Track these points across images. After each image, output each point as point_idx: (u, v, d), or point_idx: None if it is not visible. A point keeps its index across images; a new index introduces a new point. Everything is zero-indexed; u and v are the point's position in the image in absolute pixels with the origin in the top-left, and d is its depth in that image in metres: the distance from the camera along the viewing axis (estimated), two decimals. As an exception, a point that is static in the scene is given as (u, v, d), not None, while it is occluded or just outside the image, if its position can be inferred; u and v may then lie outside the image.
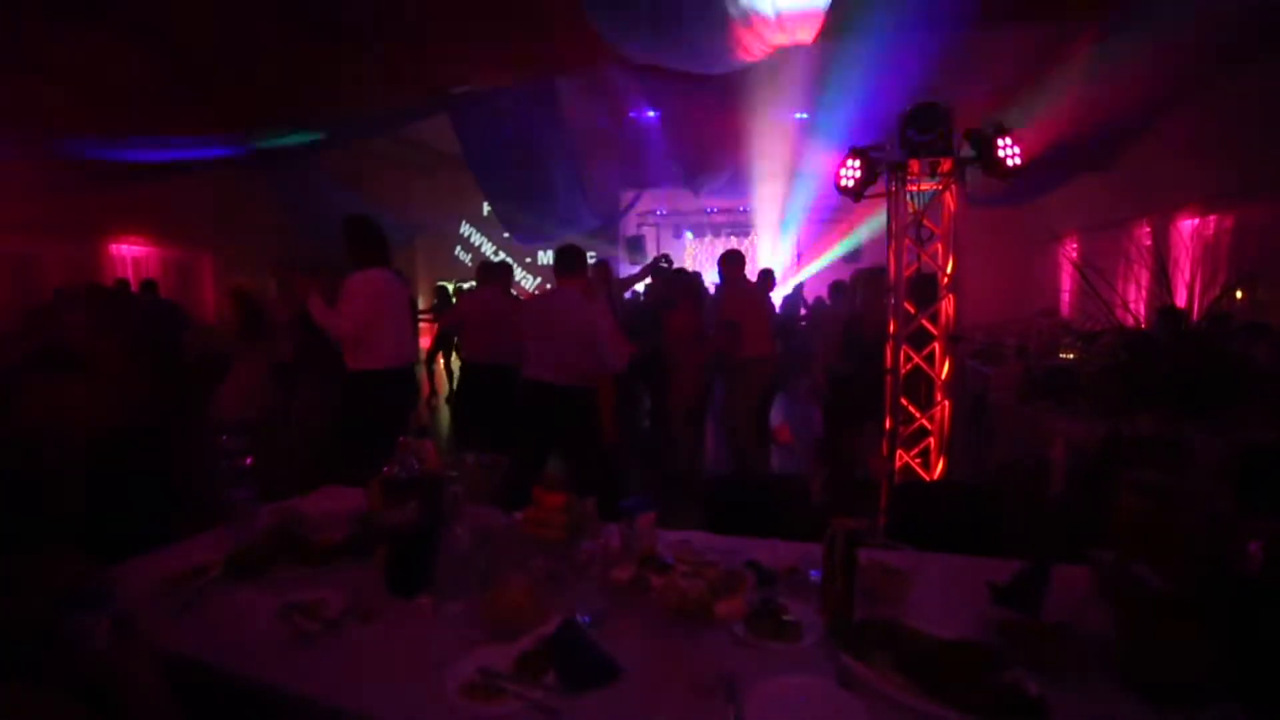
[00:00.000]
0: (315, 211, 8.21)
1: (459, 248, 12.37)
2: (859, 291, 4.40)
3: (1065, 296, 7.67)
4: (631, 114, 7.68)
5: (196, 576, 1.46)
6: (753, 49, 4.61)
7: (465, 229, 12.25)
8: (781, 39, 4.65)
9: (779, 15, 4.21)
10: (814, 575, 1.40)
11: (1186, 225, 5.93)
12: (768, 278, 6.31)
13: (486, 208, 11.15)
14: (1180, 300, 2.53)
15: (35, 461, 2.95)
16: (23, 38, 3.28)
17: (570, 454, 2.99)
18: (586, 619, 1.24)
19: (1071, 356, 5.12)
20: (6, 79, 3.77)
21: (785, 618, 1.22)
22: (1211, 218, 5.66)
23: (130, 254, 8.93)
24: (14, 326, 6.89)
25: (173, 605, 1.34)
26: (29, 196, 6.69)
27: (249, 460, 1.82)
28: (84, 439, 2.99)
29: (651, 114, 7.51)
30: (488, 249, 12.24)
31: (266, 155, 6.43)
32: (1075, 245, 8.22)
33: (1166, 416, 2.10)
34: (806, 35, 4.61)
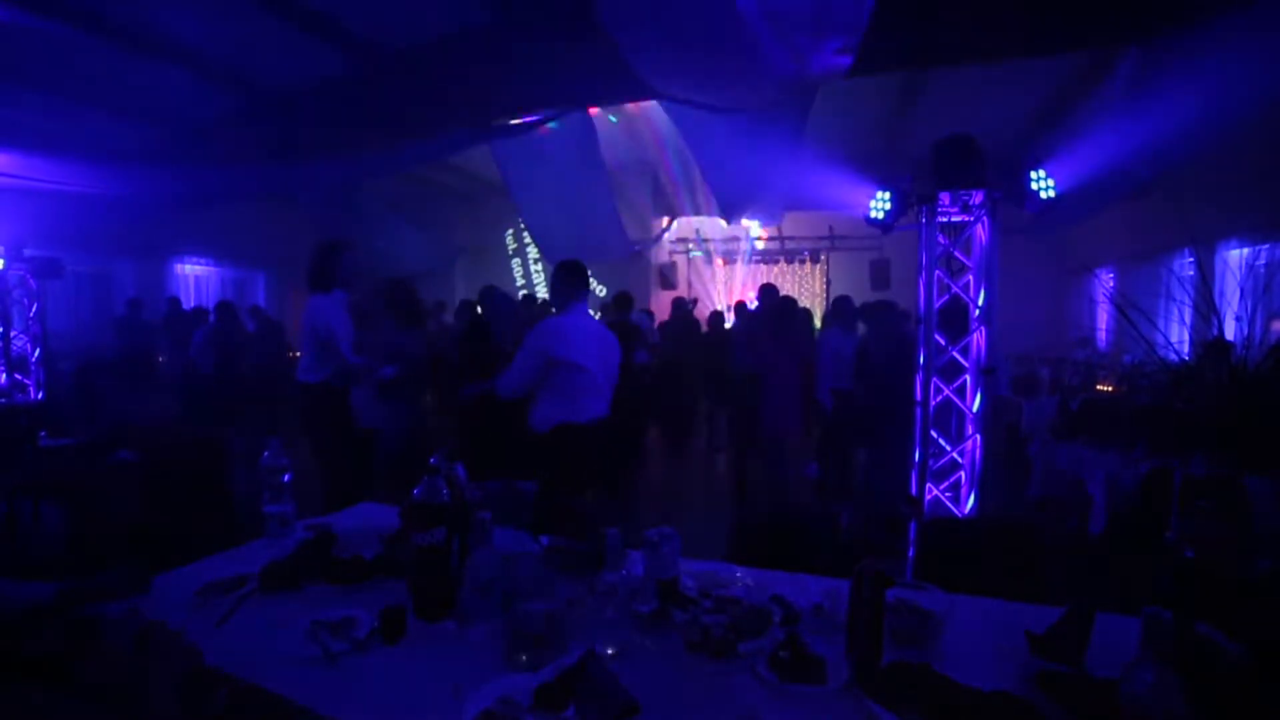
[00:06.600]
0: (361, 232, 8.60)
1: (517, 264, 12.57)
2: (867, 323, 4.82)
3: (1102, 333, 7.42)
4: (664, 144, 7.85)
5: (232, 588, 1.50)
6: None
7: (531, 248, 12.33)
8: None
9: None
10: (841, 614, 1.37)
11: (1234, 255, 5.70)
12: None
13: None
14: (1230, 334, 2.41)
15: (106, 461, 3.10)
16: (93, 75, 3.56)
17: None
18: (607, 651, 1.23)
19: (1110, 389, 4.94)
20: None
21: (810, 659, 1.19)
22: (1263, 247, 5.43)
23: (193, 272, 9.78)
24: (99, 337, 7.29)
25: (209, 616, 1.39)
26: (107, 219, 7.17)
27: (287, 476, 1.88)
28: (152, 444, 3.13)
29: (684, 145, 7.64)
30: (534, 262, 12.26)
31: (313, 180, 6.74)
32: (1112, 275, 7.97)
33: (1223, 459, 1.96)
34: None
